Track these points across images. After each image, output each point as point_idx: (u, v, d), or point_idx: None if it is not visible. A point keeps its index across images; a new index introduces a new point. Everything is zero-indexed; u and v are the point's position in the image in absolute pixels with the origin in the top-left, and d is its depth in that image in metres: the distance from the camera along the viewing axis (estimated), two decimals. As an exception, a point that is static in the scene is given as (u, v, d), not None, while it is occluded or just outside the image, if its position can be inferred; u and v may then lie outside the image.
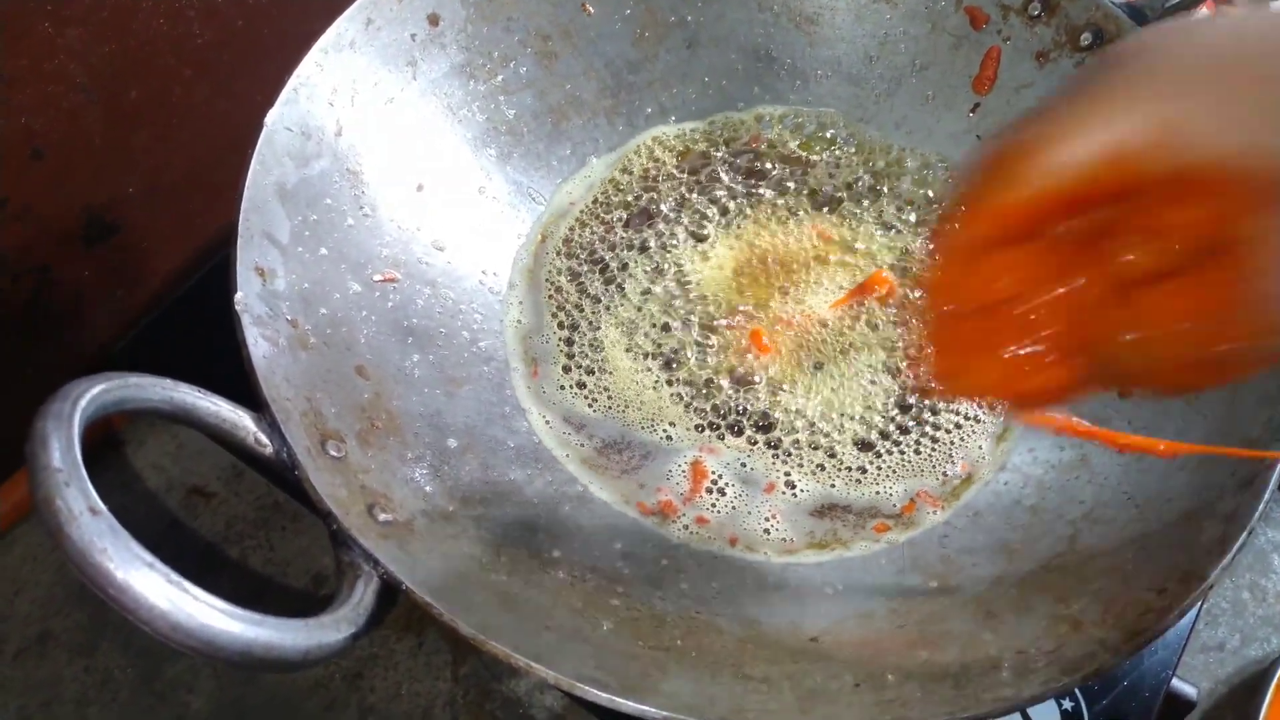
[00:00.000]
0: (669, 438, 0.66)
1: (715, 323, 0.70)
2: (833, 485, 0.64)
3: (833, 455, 0.65)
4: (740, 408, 0.66)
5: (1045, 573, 0.57)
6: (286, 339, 0.53)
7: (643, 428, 0.66)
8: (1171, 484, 0.58)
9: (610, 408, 0.67)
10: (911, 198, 0.77)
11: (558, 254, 0.74)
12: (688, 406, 0.67)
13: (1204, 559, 0.51)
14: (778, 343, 0.69)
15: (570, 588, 0.54)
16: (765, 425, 0.66)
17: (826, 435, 0.66)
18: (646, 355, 0.69)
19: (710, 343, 0.69)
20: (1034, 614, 0.54)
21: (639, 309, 0.71)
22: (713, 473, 0.64)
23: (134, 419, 0.78)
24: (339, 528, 0.45)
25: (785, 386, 0.67)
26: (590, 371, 0.68)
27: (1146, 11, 0.77)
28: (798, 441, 0.65)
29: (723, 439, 0.66)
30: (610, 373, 0.68)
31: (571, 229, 0.75)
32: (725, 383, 0.67)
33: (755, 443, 0.65)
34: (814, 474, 0.64)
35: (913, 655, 0.52)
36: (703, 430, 0.66)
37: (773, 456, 0.65)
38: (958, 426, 0.67)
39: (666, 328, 0.70)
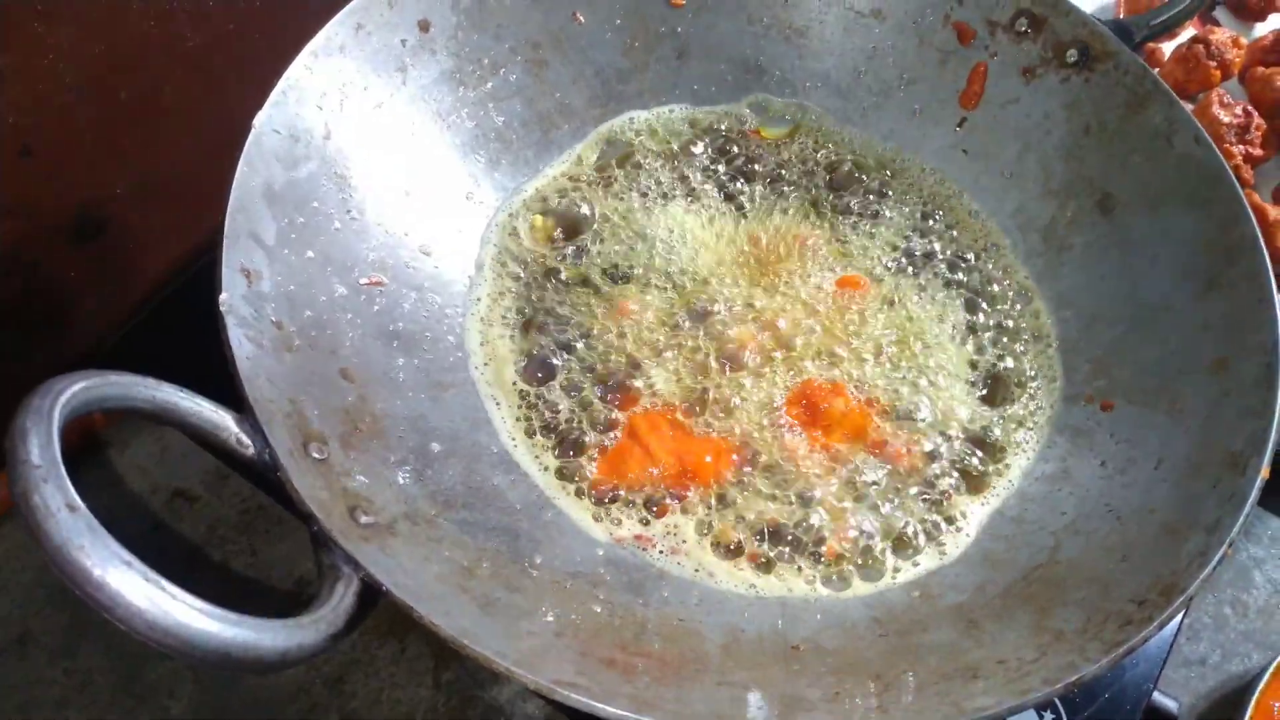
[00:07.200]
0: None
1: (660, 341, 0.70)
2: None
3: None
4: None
5: (1027, 583, 0.57)
6: (271, 341, 0.53)
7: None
8: (1153, 496, 0.58)
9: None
10: (896, 200, 0.77)
11: (510, 238, 0.73)
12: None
13: (1185, 571, 0.51)
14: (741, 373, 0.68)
15: (552, 593, 0.54)
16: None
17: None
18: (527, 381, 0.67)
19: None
20: (1015, 624, 0.54)
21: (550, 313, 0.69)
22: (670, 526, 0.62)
23: (118, 420, 0.78)
24: (320, 529, 0.45)
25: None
26: (489, 383, 0.66)
27: (1133, 29, 0.77)
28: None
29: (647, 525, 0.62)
30: (501, 387, 0.66)
31: (536, 218, 0.74)
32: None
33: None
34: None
35: (894, 664, 0.52)
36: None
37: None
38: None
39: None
